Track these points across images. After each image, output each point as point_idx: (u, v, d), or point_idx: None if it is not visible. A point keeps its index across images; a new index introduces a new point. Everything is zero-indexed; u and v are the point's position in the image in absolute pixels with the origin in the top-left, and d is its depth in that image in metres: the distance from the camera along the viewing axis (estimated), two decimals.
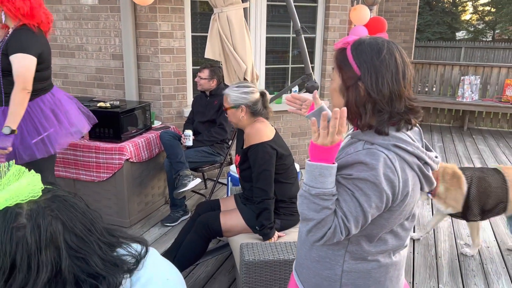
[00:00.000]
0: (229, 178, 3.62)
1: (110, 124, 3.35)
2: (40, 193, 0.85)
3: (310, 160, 1.15)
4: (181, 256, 2.48)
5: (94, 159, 3.34)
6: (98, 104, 3.42)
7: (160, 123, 4.03)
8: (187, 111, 4.05)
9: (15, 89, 2.46)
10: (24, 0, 2.49)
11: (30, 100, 2.57)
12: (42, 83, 2.65)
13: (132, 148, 3.38)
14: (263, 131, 2.36)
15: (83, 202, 0.90)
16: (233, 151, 3.97)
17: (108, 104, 3.41)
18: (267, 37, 4.41)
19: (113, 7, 3.88)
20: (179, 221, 3.52)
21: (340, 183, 1.15)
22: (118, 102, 3.51)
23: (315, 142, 1.13)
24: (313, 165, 1.13)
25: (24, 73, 2.48)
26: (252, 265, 2.13)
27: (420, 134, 1.26)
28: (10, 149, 2.53)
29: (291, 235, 2.41)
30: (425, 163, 1.18)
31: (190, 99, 4.20)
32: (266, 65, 4.47)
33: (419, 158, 1.16)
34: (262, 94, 2.44)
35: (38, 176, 0.86)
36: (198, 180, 3.35)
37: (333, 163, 1.13)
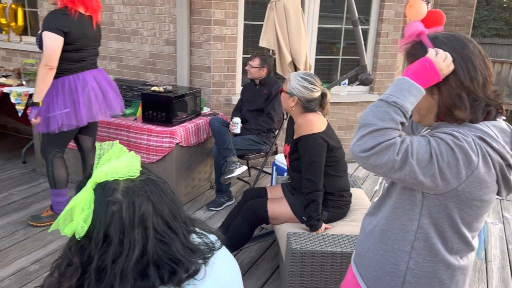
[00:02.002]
0: (274, 167, 3.65)
1: (163, 108, 3.44)
2: (138, 174, 0.89)
3: (403, 75, 1.13)
4: (227, 239, 2.53)
5: (145, 141, 3.45)
6: (152, 88, 3.52)
7: (209, 109, 4.10)
8: (235, 99, 4.09)
9: (40, 64, 2.68)
10: None
11: (54, 77, 2.77)
12: (69, 64, 2.80)
13: (183, 132, 3.47)
14: (315, 123, 2.36)
15: (171, 190, 0.93)
16: (279, 141, 3.98)
17: (161, 89, 3.50)
18: (318, 27, 4.36)
19: None
20: (223, 206, 3.58)
21: (422, 135, 1.11)
22: (171, 87, 3.59)
23: (429, 56, 1.10)
24: (404, 79, 1.10)
25: (47, 50, 2.66)
26: (299, 254, 2.14)
27: (510, 136, 1.18)
28: (34, 120, 2.79)
29: (338, 227, 2.41)
30: (508, 165, 1.12)
31: (238, 87, 4.24)
32: (318, 55, 4.43)
33: (503, 157, 1.10)
34: (323, 95, 2.42)
35: (138, 158, 0.90)
36: (244, 168, 3.39)
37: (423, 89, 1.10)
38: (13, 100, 3.69)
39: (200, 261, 0.91)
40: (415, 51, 1.18)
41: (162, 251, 0.86)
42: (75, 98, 2.83)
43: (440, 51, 1.11)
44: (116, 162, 0.88)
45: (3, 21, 4.86)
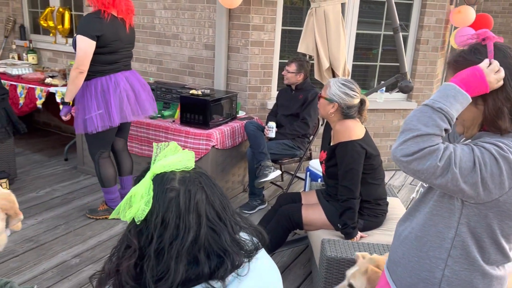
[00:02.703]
0: (308, 173, 3.64)
1: (200, 111, 3.51)
2: (193, 166, 0.97)
3: (450, 81, 1.12)
4: None
5: (183, 143, 3.53)
6: (190, 91, 3.59)
7: (244, 113, 4.14)
8: (270, 103, 4.12)
9: (72, 67, 2.80)
10: None
11: (87, 79, 2.87)
12: (101, 66, 2.87)
13: (219, 135, 3.52)
14: (353, 129, 2.35)
15: (219, 187, 1.00)
16: (313, 147, 3.97)
17: (199, 92, 3.57)
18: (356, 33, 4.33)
19: None
20: (256, 210, 3.61)
21: (464, 144, 1.11)
22: (208, 90, 3.66)
23: (481, 66, 1.10)
24: (451, 85, 1.10)
25: (78, 53, 2.76)
26: (333, 261, 2.14)
27: None
28: (64, 117, 3.00)
29: (374, 236, 2.38)
30: None
31: (274, 91, 4.27)
32: (355, 61, 4.40)
33: None
34: (362, 102, 2.40)
35: (192, 153, 0.97)
36: (278, 172, 3.41)
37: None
38: (58, 99, 3.86)
39: (245, 259, 0.94)
40: (469, 57, 1.16)
41: (213, 239, 0.91)
42: (107, 99, 2.91)
43: (495, 63, 1.10)
44: (172, 157, 0.96)
45: (51, 23, 5.09)
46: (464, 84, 1.09)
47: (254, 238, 1.02)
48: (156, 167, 0.94)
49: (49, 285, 2.49)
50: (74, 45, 2.83)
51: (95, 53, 2.80)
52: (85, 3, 4.70)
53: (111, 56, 2.89)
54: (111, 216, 0.98)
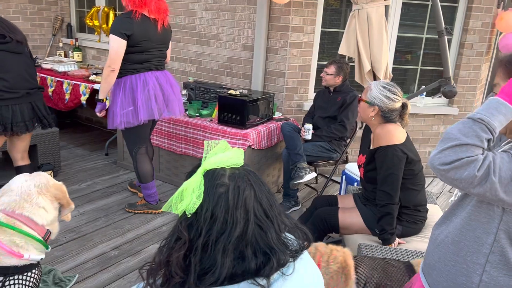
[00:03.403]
0: (344, 176, 3.61)
1: (238, 111, 3.55)
2: (242, 163, 0.99)
3: (496, 95, 1.12)
4: None
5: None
6: (229, 91, 3.64)
7: (280, 114, 4.15)
8: (307, 105, 4.11)
9: (105, 65, 2.92)
10: None
11: (118, 77, 2.97)
12: (132, 64, 2.96)
13: (255, 135, 3.55)
14: (394, 133, 2.31)
15: (267, 185, 1.01)
16: (349, 150, 3.93)
17: (237, 92, 3.61)
18: (397, 36, 4.25)
19: (250, 0, 4.07)
20: (290, 211, 3.61)
21: (506, 151, 1.10)
22: (246, 91, 3.69)
23: None
24: (494, 98, 1.10)
25: (111, 53, 2.87)
26: None
27: None
28: (99, 114, 3.12)
29: (412, 243, 2.34)
30: None
31: (311, 93, 4.25)
32: (394, 64, 4.32)
33: None
34: (403, 106, 2.36)
35: (241, 151, 0.99)
36: (314, 174, 3.40)
37: None
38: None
39: (291, 258, 0.95)
40: None
41: (260, 236, 0.93)
42: (135, 97, 2.98)
43: None
44: (222, 154, 0.99)
45: (96, 23, 5.27)
46: (507, 95, 1.09)
47: (298, 239, 1.02)
48: (207, 164, 0.97)
49: (89, 275, 2.59)
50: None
51: (126, 52, 2.89)
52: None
53: (141, 55, 2.97)
54: (163, 209, 1.02)
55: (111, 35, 2.86)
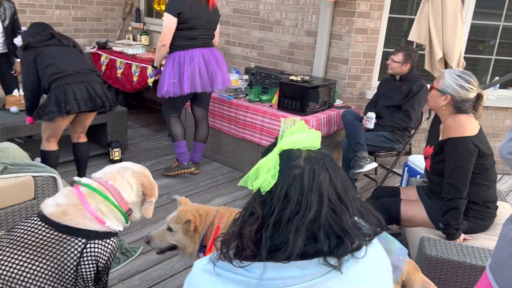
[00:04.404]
0: (406, 168, 3.50)
1: (298, 97, 3.54)
2: (319, 146, 0.98)
3: None
4: None
5: (278, 127, 3.58)
6: (290, 77, 3.63)
7: (341, 102, 4.08)
8: (370, 93, 4.00)
9: (158, 39, 3.32)
10: None
11: (170, 52, 3.36)
12: (181, 40, 3.30)
13: (315, 122, 3.52)
14: (466, 125, 2.20)
15: (343, 169, 1.01)
16: (413, 141, 3.79)
17: (299, 78, 3.59)
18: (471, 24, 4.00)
19: None
20: None
21: None
22: (308, 77, 3.67)
23: None
24: None
25: (163, 29, 3.24)
26: (433, 260, 2.05)
27: None
28: (154, 77, 3.74)
29: (479, 240, 2.23)
30: None
31: (375, 81, 4.14)
32: (465, 53, 4.08)
33: None
34: (478, 96, 2.24)
35: (318, 134, 0.99)
36: (374, 164, 3.32)
37: None
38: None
39: (363, 240, 0.95)
40: None
41: (333, 220, 0.93)
42: (181, 71, 3.32)
43: None
44: (299, 135, 0.98)
45: (163, 7, 5.43)
46: None
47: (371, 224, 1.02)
48: (284, 143, 0.97)
49: (151, 249, 2.73)
50: None
51: (177, 29, 3.22)
52: None
53: (190, 32, 3.28)
54: (239, 184, 1.05)
55: (165, 13, 3.21)
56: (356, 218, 0.99)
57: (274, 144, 1.01)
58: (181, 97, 3.43)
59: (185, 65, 3.31)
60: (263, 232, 0.94)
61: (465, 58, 4.07)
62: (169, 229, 1.97)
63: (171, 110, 3.58)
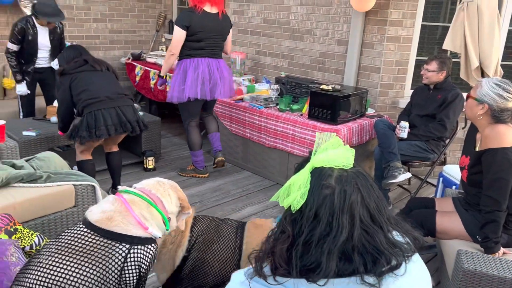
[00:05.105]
0: (441, 178, 3.42)
1: (329, 106, 3.53)
2: (351, 165, 0.96)
3: None
4: None
5: (310, 137, 3.59)
6: (321, 86, 3.63)
7: (374, 111, 4.04)
8: (402, 102, 3.95)
9: (168, 49, 3.56)
10: None
11: (179, 60, 3.60)
12: (188, 50, 3.52)
13: (346, 132, 3.50)
14: (505, 136, 2.14)
15: (377, 188, 0.99)
16: (447, 151, 3.70)
17: (330, 87, 3.59)
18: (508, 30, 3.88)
19: None
20: None
21: None
22: (339, 86, 3.65)
23: None
24: None
25: (172, 40, 3.47)
26: (471, 275, 1.99)
27: None
28: (159, 87, 3.98)
29: None
30: None
31: (407, 90, 4.07)
32: (502, 61, 3.96)
33: None
34: None
35: (352, 151, 0.98)
36: (408, 175, 3.26)
37: None
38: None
39: (401, 258, 0.94)
40: None
41: (366, 241, 0.91)
42: (186, 78, 3.53)
43: None
44: (332, 152, 0.97)
45: None
46: None
47: (408, 240, 1.00)
48: (316, 161, 0.96)
49: None
50: None
51: (186, 40, 3.44)
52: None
53: (197, 43, 3.49)
54: (272, 199, 1.05)
55: (175, 26, 3.44)
56: (394, 233, 0.98)
57: (307, 159, 1.00)
58: (193, 102, 3.63)
59: (189, 72, 3.53)
60: (293, 251, 0.93)
61: (502, 65, 3.96)
62: None
63: (188, 118, 3.76)
